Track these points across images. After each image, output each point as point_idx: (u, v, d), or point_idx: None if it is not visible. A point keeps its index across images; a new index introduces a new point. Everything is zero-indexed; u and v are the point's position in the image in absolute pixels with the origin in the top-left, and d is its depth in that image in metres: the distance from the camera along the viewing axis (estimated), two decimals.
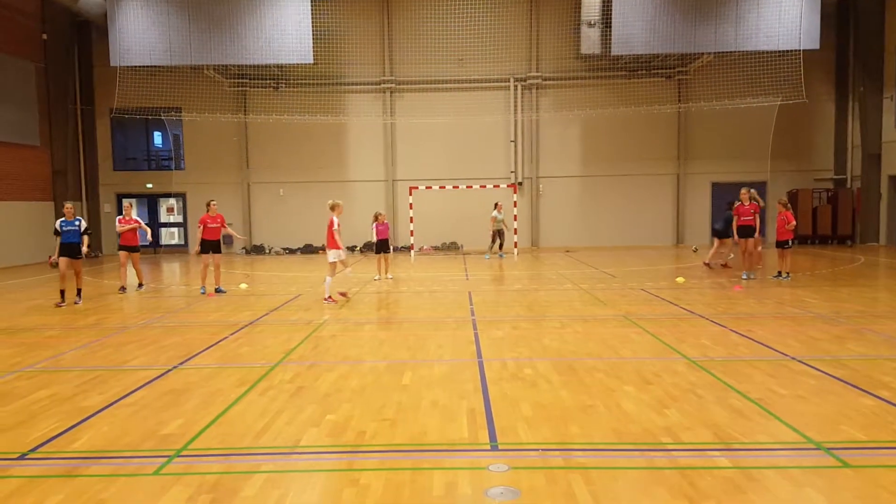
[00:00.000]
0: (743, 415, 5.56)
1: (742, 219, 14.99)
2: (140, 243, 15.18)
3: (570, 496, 4.08)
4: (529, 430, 5.27)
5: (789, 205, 15.01)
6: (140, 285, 15.00)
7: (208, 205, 14.36)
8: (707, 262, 17.17)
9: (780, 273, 14.83)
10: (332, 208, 12.71)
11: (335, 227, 12.53)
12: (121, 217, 14.88)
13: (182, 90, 24.22)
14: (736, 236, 15.34)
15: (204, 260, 14.23)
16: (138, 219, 15.02)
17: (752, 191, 15.38)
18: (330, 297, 12.53)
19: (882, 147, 24.59)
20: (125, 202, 15.29)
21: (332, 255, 12.67)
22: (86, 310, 12.16)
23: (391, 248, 16.44)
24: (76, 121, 26.18)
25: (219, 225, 14.24)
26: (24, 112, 23.19)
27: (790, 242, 14.77)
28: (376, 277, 16.27)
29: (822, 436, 5.05)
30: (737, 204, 15.22)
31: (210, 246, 14.16)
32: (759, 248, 15.74)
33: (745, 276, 14.87)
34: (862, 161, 25.23)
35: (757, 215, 14.92)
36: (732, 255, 17.60)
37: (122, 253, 14.77)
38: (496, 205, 22.18)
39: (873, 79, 24.61)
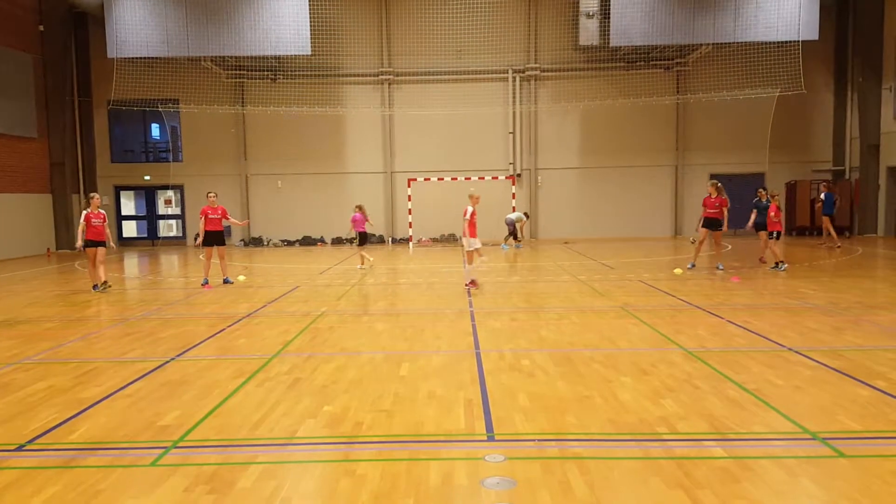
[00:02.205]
0: (739, 405, 5.57)
1: (708, 211, 15.01)
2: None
3: (565, 486, 4.09)
4: (526, 421, 5.27)
5: (776, 196, 15.10)
6: (103, 284, 13.38)
7: (208, 196, 14.35)
8: (763, 258, 16.61)
9: (777, 264, 14.86)
10: (470, 198, 12.95)
11: (475, 216, 12.83)
12: (87, 212, 13.24)
13: (179, 82, 24.16)
14: (700, 226, 15.36)
15: (207, 252, 14.20)
16: (104, 212, 13.46)
17: (719, 184, 15.42)
18: (473, 281, 12.86)
19: (881, 138, 24.57)
20: (93, 194, 13.51)
21: (469, 243, 12.80)
22: (84, 302, 12.15)
23: (366, 239, 17.35)
24: (74, 113, 26.13)
25: (220, 216, 14.22)
26: (22, 104, 23.13)
27: (776, 234, 14.83)
28: (359, 266, 16.94)
29: (818, 426, 5.06)
30: (704, 196, 15.34)
31: (212, 237, 14.15)
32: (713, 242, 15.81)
33: (690, 266, 15.11)
34: (860, 152, 25.23)
35: (724, 209, 14.93)
36: (727, 248, 17.61)
37: (89, 250, 13.23)
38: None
39: (872, 69, 24.57)
